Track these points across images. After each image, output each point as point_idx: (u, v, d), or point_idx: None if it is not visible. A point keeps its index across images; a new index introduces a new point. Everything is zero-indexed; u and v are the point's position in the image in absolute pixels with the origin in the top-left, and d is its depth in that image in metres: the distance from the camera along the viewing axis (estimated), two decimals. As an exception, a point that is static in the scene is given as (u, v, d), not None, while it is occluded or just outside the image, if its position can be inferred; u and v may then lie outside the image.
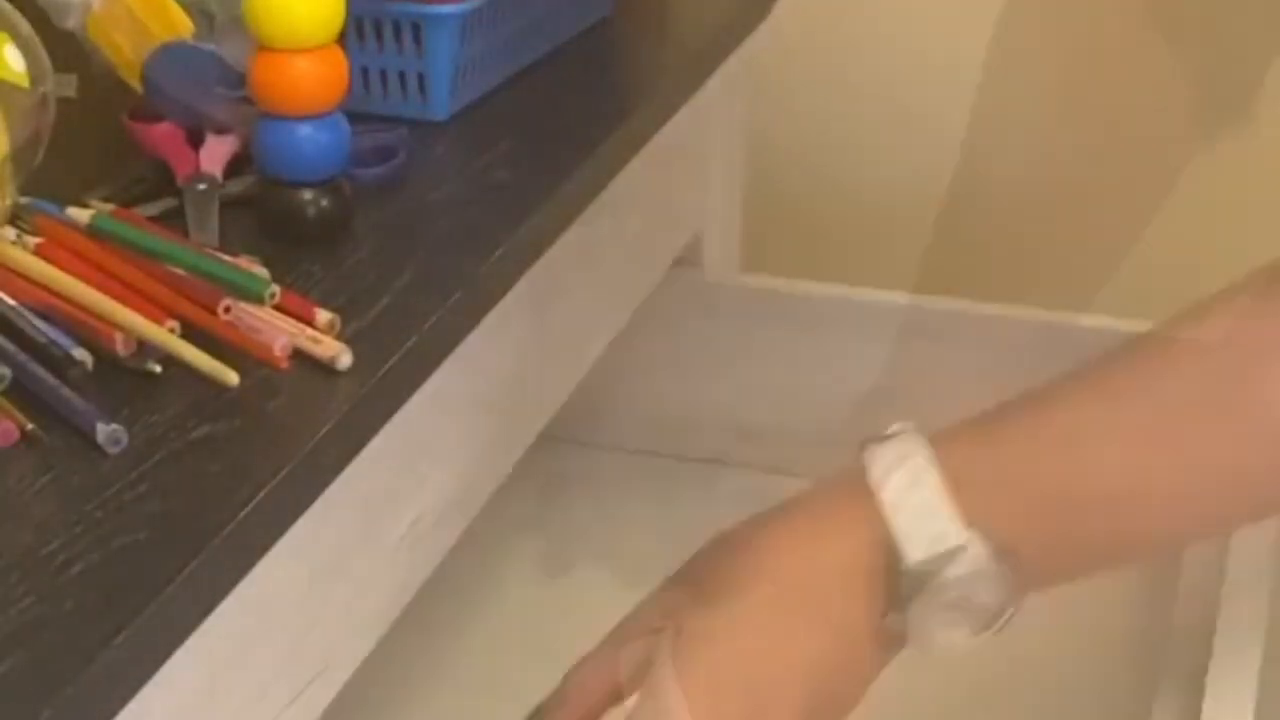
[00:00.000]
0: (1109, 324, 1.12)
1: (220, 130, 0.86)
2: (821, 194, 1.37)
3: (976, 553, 0.72)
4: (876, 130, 1.35)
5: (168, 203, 0.83)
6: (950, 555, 0.72)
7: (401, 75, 0.93)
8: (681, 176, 1.11)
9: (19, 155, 0.74)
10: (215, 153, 0.86)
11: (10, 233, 0.76)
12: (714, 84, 1.10)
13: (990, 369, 1.10)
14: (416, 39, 0.92)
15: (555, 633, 1.04)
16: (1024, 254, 1.36)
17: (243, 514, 0.63)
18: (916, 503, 0.73)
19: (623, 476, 1.17)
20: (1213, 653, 0.79)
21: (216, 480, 0.64)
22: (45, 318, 0.71)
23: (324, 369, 0.71)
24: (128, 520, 0.61)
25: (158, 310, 0.71)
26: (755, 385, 1.12)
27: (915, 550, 0.72)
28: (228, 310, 0.72)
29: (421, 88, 0.93)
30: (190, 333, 0.71)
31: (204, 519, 0.62)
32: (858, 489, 0.74)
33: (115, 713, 0.57)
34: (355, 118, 0.82)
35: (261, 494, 0.64)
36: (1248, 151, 1.29)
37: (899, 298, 1.14)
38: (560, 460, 1.14)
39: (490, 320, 0.81)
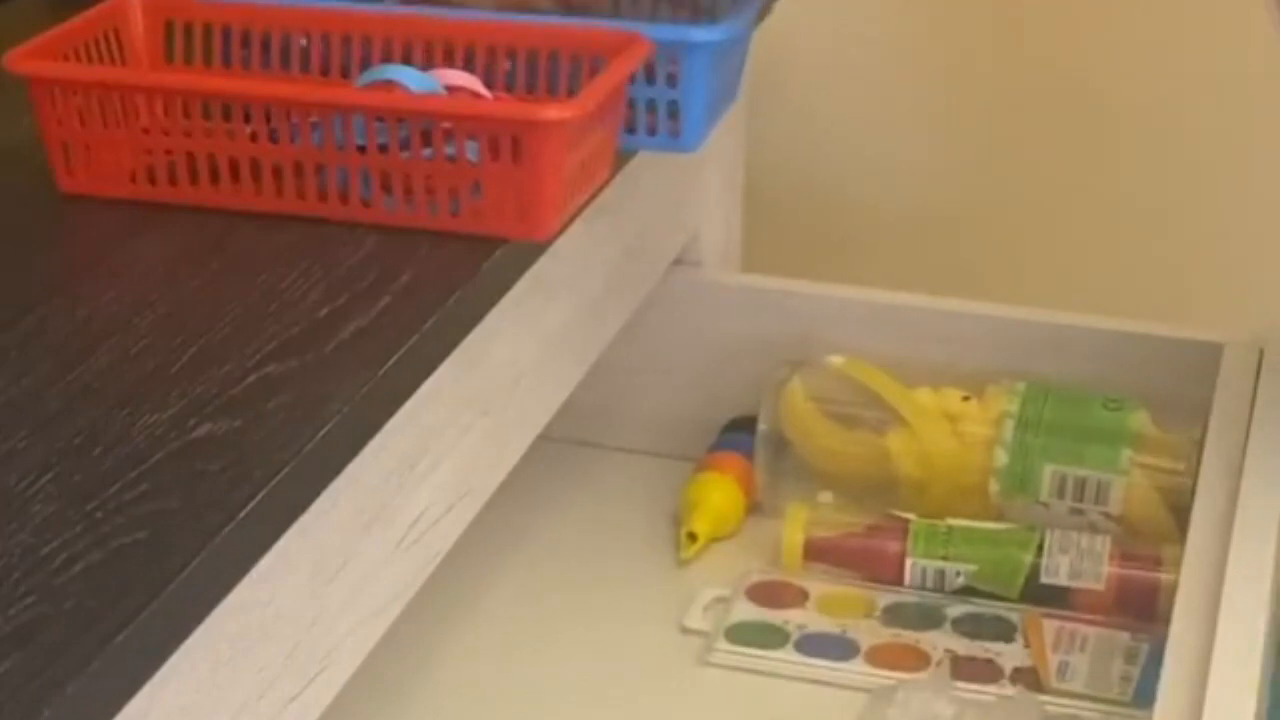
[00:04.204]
0: (1108, 324, 1.12)
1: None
2: (821, 194, 1.36)
3: None
4: (875, 131, 1.35)
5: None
6: None
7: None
8: (680, 177, 1.11)
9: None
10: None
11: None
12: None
13: (989, 367, 1.11)
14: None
15: (555, 632, 1.04)
16: (1024, 254, 1.36)
17: (243, 514, 0.63)
18: None
19: (623, 476, 1.17)
20: (1213, 652, 0.79)
21: (216, 480, 0.64)
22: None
23: (325, 367, 0.71)
24: (128, 520, 0.61)
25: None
26: (755, 385, 1.12)
27: None
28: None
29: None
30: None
31: (204, 519, 0.62)
32: None
33: (115, 712, 0.57)
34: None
35: (261, 494, 0.64)
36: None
37: (899, 298, 1.14)
38: (560, 460, 1.14)
39: (490, 320, 0.81)
